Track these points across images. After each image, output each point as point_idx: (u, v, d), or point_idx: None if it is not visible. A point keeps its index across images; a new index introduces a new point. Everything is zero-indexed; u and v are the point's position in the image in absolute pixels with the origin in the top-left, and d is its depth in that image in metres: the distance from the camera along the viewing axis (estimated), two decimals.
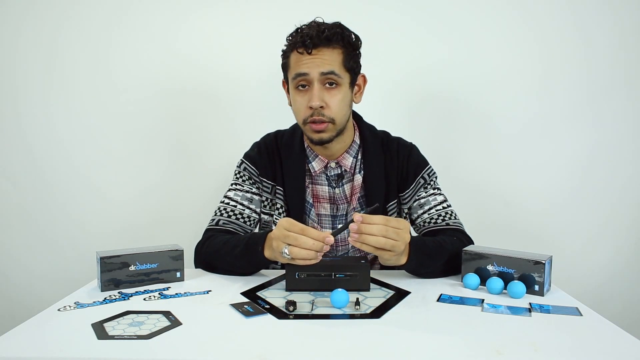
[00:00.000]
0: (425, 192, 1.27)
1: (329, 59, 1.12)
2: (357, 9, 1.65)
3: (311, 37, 1.10)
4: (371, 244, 0.91)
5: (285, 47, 1.19)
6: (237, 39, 1.70)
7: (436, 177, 1.30)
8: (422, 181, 1.27)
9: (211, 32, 1.69)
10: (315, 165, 1.25)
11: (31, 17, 1.67)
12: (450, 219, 1.23)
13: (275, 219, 1.25)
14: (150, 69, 1.70)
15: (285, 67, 1.19)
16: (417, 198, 1.27)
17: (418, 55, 1.70)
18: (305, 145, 1.26)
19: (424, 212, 1.25)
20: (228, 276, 1.10)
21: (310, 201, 1.25)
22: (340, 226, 0.94)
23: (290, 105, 1.22)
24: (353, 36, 1.17)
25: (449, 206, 1.26)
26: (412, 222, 1.30)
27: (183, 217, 1.74)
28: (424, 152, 1.32)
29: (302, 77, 1.12)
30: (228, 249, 1.09)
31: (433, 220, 1.24)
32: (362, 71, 1.22)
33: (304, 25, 1.15)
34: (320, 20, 1.15)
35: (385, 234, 0.91)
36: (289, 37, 1.17)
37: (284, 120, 1.35)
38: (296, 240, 0.90)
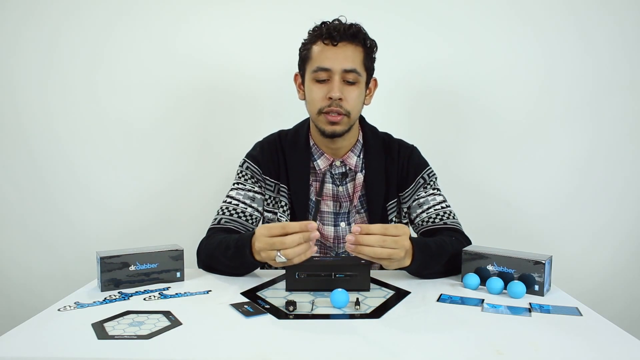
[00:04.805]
0: (425, 192, 1.27)
1: (352, 56, 1.15)
2: (359, 10, 1.64)
3: (338, 30, 1.13)
4: (368, 254, 0.91)
5: (306, 40, 1.20)
6: (238, 40, 1.70)
7: (436, 178, 1.30)
8: (421, 181, 1.27)
9: (212, 33, 1.69)
10: (321, 163, 1.25)
11: (31, 17, 1.67)
12: (448, 218, 1.23)
13: (280, 217, 1.25)
14: (150, 71, 1.70)
15: (304, 58, 1.20)
16: (416, 198, 1.27)
17: (419, 55, 1.70)
18: (311, 143, 1.26)
19: (423, 212, 1.25)
20: (228, 276, 1.09)
21: (314, 199, 1.26)
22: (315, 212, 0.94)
23: (302, 99, 1.24)
24: (369, 42, 1.19)
25: (447, 206, 1.26)
26: (411, 222, 1.30)
27: (184, 219, 1.74)
28: (424, 152, 1.33)
29: (324, 71, 1.14)
30: (222, 250, 1.08)
31: (431, 220, 1.24)
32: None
33: (328, 21, 1.17)
34: (344, 19, 1.18)
35: (382, 244, 0.91)
36: (311, 30, 1.19)
37: (285, 123, 1.35)
38: (283, 244, 0.88)
